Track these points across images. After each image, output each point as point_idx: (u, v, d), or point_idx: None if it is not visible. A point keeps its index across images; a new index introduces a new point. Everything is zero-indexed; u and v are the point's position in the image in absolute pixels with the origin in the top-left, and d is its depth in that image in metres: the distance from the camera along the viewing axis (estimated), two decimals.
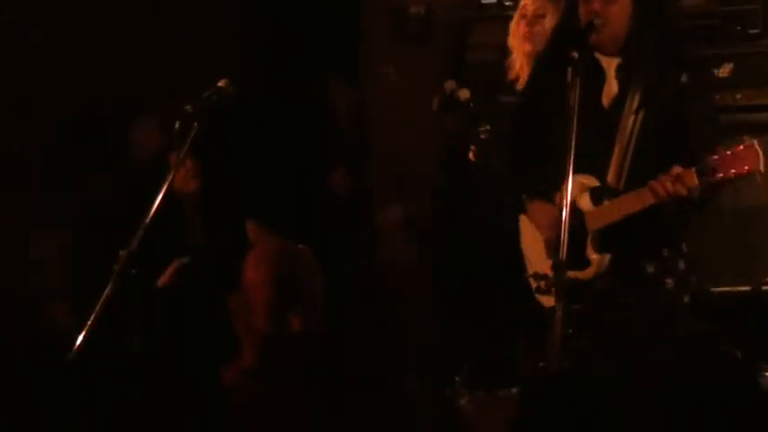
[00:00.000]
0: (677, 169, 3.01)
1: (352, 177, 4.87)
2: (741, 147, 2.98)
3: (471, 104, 4.27)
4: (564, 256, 2.99)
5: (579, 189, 3.30)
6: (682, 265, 3.34)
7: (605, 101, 3.33)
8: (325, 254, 2.97)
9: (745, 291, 4.47)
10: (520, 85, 4.10)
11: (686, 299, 3.38)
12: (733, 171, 3.02)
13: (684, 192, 3.00)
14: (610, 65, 3.31)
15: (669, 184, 3.03)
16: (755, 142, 2.98)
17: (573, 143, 3.01)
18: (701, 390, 2.57)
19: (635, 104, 3.33)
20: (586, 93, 3.20)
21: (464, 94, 4.23)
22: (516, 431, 2.47)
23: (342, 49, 5.14)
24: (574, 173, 3.12)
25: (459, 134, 4.48)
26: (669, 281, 3.33)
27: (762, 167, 2.98)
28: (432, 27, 5.17)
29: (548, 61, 3.46)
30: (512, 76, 4.23)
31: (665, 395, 3.10)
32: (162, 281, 3.76)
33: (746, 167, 3.00)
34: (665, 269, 3.33)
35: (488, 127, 4.30)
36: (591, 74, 3.28)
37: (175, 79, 4.71)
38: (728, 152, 2.98)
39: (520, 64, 4.16)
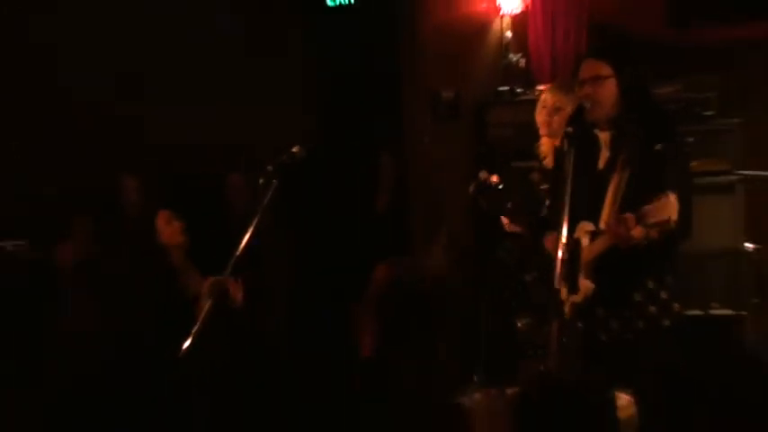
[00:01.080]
0: (625, 215, 3.60)
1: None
2: (663, 199, 3.52)
3: (500, 186, 4.95)
4: (558, 284, 3.59)
5: (583, 232, 3.98)
6: (664, 294, 3.88)
7: (601, 164, 3.95)
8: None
9: (699, 314, 5.38)
10: (546, 162, 4.77)
11: (667, 322, 3.88)
12: (658, 218, 3.56)
13: (627, 232, 3.59)
14: (604, 137, 3.95)
15: (616, 226, 3.62)
16: (672, 196, 3.55)
17: (567, 198, 3.67)
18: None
19: (621, 167, 3.90)
20: (588, 158, 3.99)
21: (494, 179, 4.92)
22: (518, 424, 2.94)
23: (390, 124, 6.08)
24: (581, 220, 3.88)
25: (492, 209, 5.11)
26: (652, 308, 3.88)
27: (675, 216, 3.52)
28: (459, 109, 6.13)
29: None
30: (541, 155, 4.86)
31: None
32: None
33: (666, 216, 3.51)
34: (649, 297, 3.87)
35: (511, 203, 5.08)
36: (590, 144, 4.00)
37: (260, 144, 5.21)
38: (657, 202, 3.51)
39: (544, 145, 4.81)
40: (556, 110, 4.60)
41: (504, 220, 5.02)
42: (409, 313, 5.30)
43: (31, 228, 5.60)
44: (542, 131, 4.66)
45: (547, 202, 4.61)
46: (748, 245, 5.57)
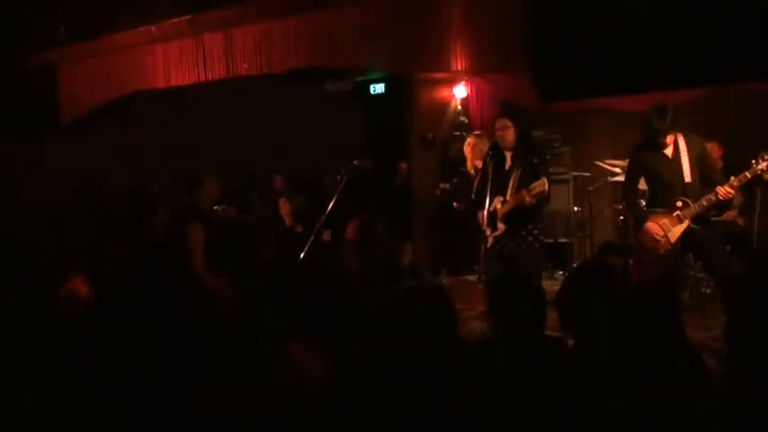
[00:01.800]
0: (522, 191, 5.63)
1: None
2: (541, 180, 5.54)
3: (450, 188, 8.26)
4: (486, 227, 5.96)
5: (498, 202, 5.94)
6: (536, 231, 5.91)
7: (506, 167, 5.91)
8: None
9: (551, 241, 7.70)
10: (469, 168, 7.36)
11: (537, 245, 5.95)
12: (538, 189, 5.50)
13: (523, 199, 5.60)
14: (509, 155, 5.93)
15: (518, 196, 5.64)
16: (545, 179, 5.58)
17: (489, 186, 5.89)
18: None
19: (515, 168, 5.86)
20: (500, 166, 5.94)
21: (445, 186, 8.16)
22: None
23: (402, 150, 9.35)
24: (496, 196, 5.87)
25: (450, 197, 8.30)
26: (530, 237, 5.94)
27: (547, 189, 5.56)
28: (435, 143, 9.16)
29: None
30: (469, 166, 7.41)
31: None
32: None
33: (543, 188, 5.53)
34: (528, 232, 5.91)
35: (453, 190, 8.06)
36: (501, 159, 5.96)
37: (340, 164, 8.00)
38: (538, 182, 5.52)
39: (469, 163, 7.38)
40: (473, 145, 7.46)
41: (455, 204, 8.17)
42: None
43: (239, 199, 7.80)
44: (467, 155, 7.51)
45: (473, 191, 6.57)
46: (575, 207, 8.79)
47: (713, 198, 5.57)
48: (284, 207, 7.40)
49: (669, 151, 5.69)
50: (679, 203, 5.66)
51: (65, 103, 8.71)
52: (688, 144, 5.67)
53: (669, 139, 5.66)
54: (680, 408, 2.33)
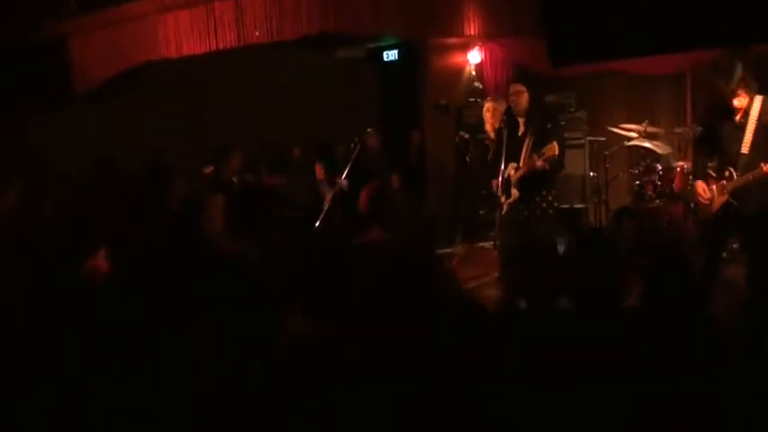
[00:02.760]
0: (534, 156, 5.67)
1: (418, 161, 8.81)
2: (551, 144, 5.56)
3: (468, 138, 8.37)
4: (500, 194, 6.01)
5: (512, 168, 5.96)
6: (550, 197, 5.93)
7: (519, 133, 5.98)
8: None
9: (567, 207, 8.04)
10: (488, 132, 7.13)
11: (551, 211, 6.00)
12: (549, 153, 5.59)
13: (534, 164, 5.68)
14: (521, 121, 5.98)
15: (530, 161, 5.71)
16: (556, 143, 5.64)
17: (504, 151, 5.91)
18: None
19: (528, 134, 5.92)
20: (514, 132, 5.98)
21: (465, 135, 8.31)
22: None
23: (416, 117, 9.30)
24: (510, 163, 5.90)
25: (466, 147, 8.43)
26: (544, 204, 5.97)
27: (557, 153, 5.56)
28: (449, 109, 9.26)
29: None
30: (489, 130, 7.16)
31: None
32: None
33: (553, 153, 5.53)
34: (543, 199, 5.94)
35: (473, 149, 8.16)
36: (515, 125, 6.01)
37: (356, 130, 8.20)
38: (549, 145, 5.55)
39: (488, 125, 7.19)
40: (493, 110, 7.11)
41: (467, 157, 8.48)
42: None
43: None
44: (487, 119, 7.29)
45: (490, 153, 6.81)
46: (591, 173, 8.74)
47: (758, 173, 5.10)
48: (319, 172, 7.58)
49: (738, 116, 5.24)
50: (726, 173, 5.31)
51: (77, 75, 8.71)
52: (762, 110, 5.16)
53: (741, 102, 5.20)
54: (690, 381, 2.30)
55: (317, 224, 7.26)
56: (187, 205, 5.83)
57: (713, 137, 5.45)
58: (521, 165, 5.95)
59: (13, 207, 5.47)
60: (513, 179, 5.97)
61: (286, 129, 8.68)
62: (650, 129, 7.98)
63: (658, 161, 7.83)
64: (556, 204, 6.10)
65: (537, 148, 5.81)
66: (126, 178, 6.98)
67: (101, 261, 4.06)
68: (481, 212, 8.45)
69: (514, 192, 6.03)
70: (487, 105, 7.38)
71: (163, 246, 4.56)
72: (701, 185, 5.45)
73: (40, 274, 3.93)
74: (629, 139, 8.01)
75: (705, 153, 5.57)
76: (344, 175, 7.46)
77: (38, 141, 7.83)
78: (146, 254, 4.39)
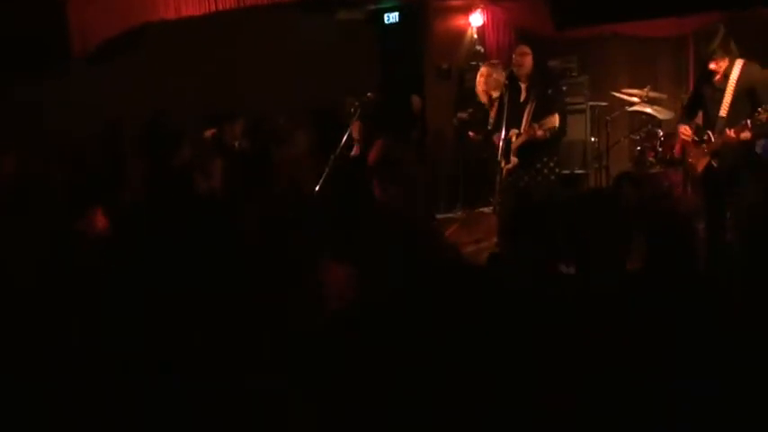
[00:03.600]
0: (534, 125, 5.75)
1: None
2: (551, 117, 5.71)
3: (467, 117, 8.35)
4: (500, 159, 6.05)
5: (513, 134, 6.06)
6: (551, 164, 6.05)
7: (521, 99, 6.05)
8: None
9: (568, 173, 8.10)
10: (480, 98, 7.31)
11: (553, 177, 6.08)
12: (548, 125, 5.71)
13: (534, 133, 5.78)
14: (524, 86, 6.05)
15: (530, 130, 5.81)
16: (556, 116, 5.73)
17: (505, 115, 5.94)
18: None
19: (529, 100, 6.00)
20: (515, 97, 6.06)
21: (463, 115, 8.27)
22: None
23: (416, 81, 9.22)
24: (511, 128, 5.97)
25: (467, 126, 8.42)
26: (545, 170, 6.04)
27: (557, 124, 5.74)
28: (450, 73, 9.26)
29: None
30: (481, 96, 7.33)
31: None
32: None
33: (553, 125, 5.75)
34: (544, 165, 6.04)
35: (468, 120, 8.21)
36: (517, 89, 6.08)
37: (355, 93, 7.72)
38: (549, 118, 5.71)
39: (482, 93, 7.25)
40: (487, 75, 7.31)
41: (471, 133, 8.29)
42: None
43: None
44: (479, 84, 7.38)
45: (490, 120, 6.74)
46: (592, 138, 8.76)
47: (727, 137, 5.18)
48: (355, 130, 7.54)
49: (717, 78, 5.30)
50: (705, 136, 5.39)
51: (75, 37, 8.60)
52: (742, 73, 5.20)
53: (719, 65, 5.22)
54: (688, 342, 2.28)
55: (317, 188, 7.24)
56: (189, 167, 5.90)
57: (698, 100, 5.55)
58: (521, 131, 5.97)
59: (13, 171, 5.45)
60: (513, 146, 6.00)
61: (285, 92, 8.56)
62: (652, 94, 7.98)
63: (660, 127, 7.82)
64: (557, 170, 6.14)
65: (538, 116, 5.87)
66: (125, 138, 6.97)
67: (97, 218, 4.00)
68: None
69: (513, 159, 6.06)
70: (481, 70, 7.40)
71: (162, 204, 4.57)
72: (683, 127, 5.55)
73: (39, 234, 3.88)
74: (631, 104, 8.00)
75: (689, 116, 5.66)
76: (344, 140, 7.24)
77: (38, 103, 7.74)
78: (145, 211, 4.36)
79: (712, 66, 5.24)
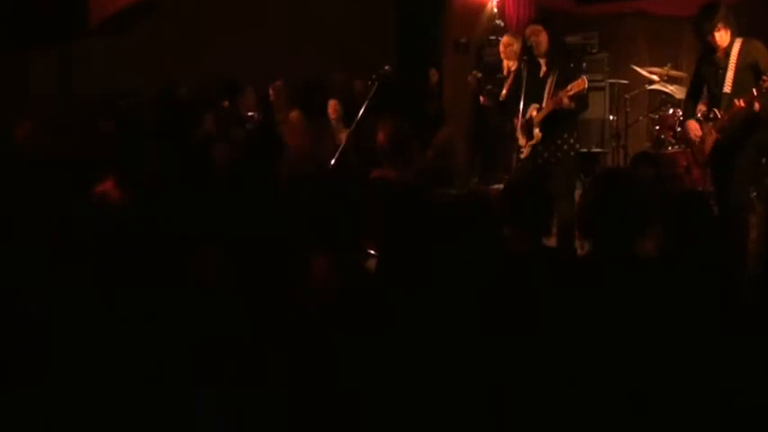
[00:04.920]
0: (559, 93, 5.55)
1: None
2: (579, 80, 5.51)
3: (481, 77, 8.27)
4: (520, 135, 5.89)
5: (534, 109, 5.87)
6: (572, 140, 5.84)
7: (541, 74, 5.85)
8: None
9: (586, 151, 7.99)
10: (505, 72, 7.23)
11: (572, 154, 5.89)
12: (576, 89, 5.50)
13: (561, 101, 5.54)
14: (543, 62, 5.84)
15: (556, 97, 5.56)
16: (583, 78, 5.58)
17: (523, 92, 5.79)
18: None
19: (551, 73, 5.81)
20: (535, 72, 5.86)
21: (478, 74, 8.15)
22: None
23: (435, 55, 9.22)
24: (532, 104, 5.78)
25: (480, 86, 8.21)
26: (566, 146, 5.86)
27: (586, 86, 5.48)
28: (469, 47, 9.05)
29: None
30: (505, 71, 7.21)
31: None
32: None
33: (582, 87, 5.49)
34: (564, 141, 5.83)
35: (489, 87, 8.01)
36: (536, 65, 5.86)
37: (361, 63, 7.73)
38: (575, 82, 5.49)
39: (505, 65, 7.26)
40: (509, 45, 7.24)
41: (482, 97, 8.10)
42: None
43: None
44: (503, 55, 7.30)
45: (504, 91, 6.87)
46: (610, 116, 8.66)
47: (735, 110, 5.17)
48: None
49: (719, 55, 5.31)
50: (711, 114, 5.38)
51: (93, 7, 8.57)
52: (742, 50, 5.23)
53: (719, 40, 5.24)
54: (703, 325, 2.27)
55: (333, 162, 7.20)
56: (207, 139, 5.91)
57: (699, 81, 5.57)
58: (544, 105, 5.88)
59: (27, 137, 5.48)
60: (536, 119, 5.90)
61: (299, 63, 8.53)
62: (673, 73, 7.89)
63: (679, 106, 7.69)
64: (577, 147, 6.07)
65: (561, 85, 5.75)
66: (140, 109, 6.97)
67: (110, 186, 4.00)
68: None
69: (537, 132, 5.94)
70: (504, 39, 7.33)
71: (180, 175, 4.58)
72: (692, 123, 5.54)
73: (51, 201, 3.88)
74: (651, 82, 7.93)
75: (694, 96, 5.67)
76: (361, 114, 7.26)
77: (54, 72, 7.76)
78: (162, 181, 4.39)
79: (716, 37, 5.23)
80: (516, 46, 6.92)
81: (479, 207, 2.94)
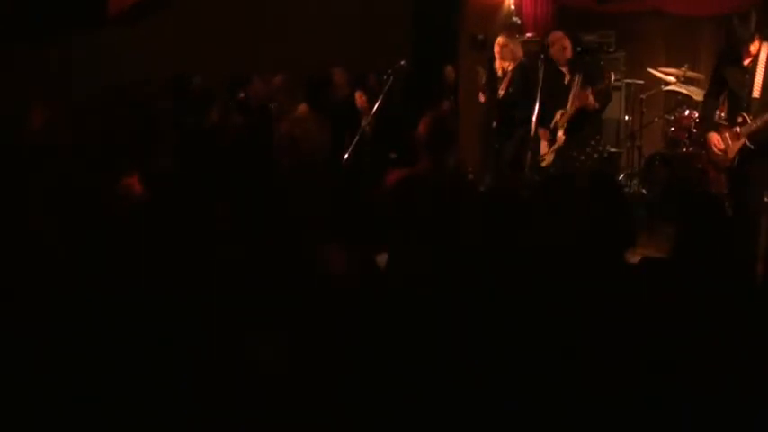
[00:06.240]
0: (585, 91, 5.90)
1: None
2: (603, 84, 5.87)
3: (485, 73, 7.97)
4: (546, 143, 6.29)
5: (559, 115, 6.19)
6: (601, 143, 6.33)
7: (565, 82, 6.24)
8: None
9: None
10: (499, 72, 7.05)
11: (605, 156, 6.51)
12: (603, 85, 5.89)
13: (587, 99, 5.84)
14: (564, 69, 6.24)
15: (582, 96, 5.89)
16: (611, 72, 6.16)
17: (538, 96, 6.05)
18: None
19: (575, 77, 6.18)
20: (560, 78, 6.23)
21: (483, 73, 7.77)
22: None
23: (451, 51, 9.16)
24: (555, 111, 6.14)
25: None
26: (600, 148, 6.30)
27: (610, 82, 5.95)
28: (486, 44, 8.58)
29: None
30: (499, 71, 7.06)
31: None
32: None
33: (607, 82, 5.92)
34: (597, 144, 6.27)
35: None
36: (556, 72, 6.24)
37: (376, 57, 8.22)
38: (593, 89, 5.85)
39: (499, 65, 7.05)
40: (502, 45, 7.07)
41: (481, 93, 7.83)
42: None
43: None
44: (498, 56, 7.10)
45: (500, 92, 6.95)
46: (626, 117, 8.55)
47: None
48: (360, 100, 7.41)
49: (747, 61, 5.31)
50: (739, 119, 5.32)
51: None
52: None
53: (753, 47, 5.25)
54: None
55: (346, 156, 7.19)
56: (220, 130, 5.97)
57: (722, 83, 5.52)
58: (569, 106, 5.96)
59: (40, 126, 5.45)
60: (560, 122, 5.97)
61: (313, 55, 8.49)
62: (690, 74, 7.84)
63: (695, 108, 7.65)
64: (600, 149, 6.20)
65: (587, 85, 5.86)
66: (155, 100, 6.94)
67: (134, 182, 3.99)
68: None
69: (560, 135, 6.02)
70: (498, 39, 7.14)
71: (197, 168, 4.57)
72: (714, 136, 5.51)
73: (64, 193, 3.87)
74: (667, 83, 7.87)
75: (714, 100, 5.66)
76: (375, 109, 7.11)
77: (69, 62, 7.82)
78: (181, 176, 4.37)
79: (751, 49, 5.22)
80: (513, 46, 6.96)
81: (510, 204, 2.96)
